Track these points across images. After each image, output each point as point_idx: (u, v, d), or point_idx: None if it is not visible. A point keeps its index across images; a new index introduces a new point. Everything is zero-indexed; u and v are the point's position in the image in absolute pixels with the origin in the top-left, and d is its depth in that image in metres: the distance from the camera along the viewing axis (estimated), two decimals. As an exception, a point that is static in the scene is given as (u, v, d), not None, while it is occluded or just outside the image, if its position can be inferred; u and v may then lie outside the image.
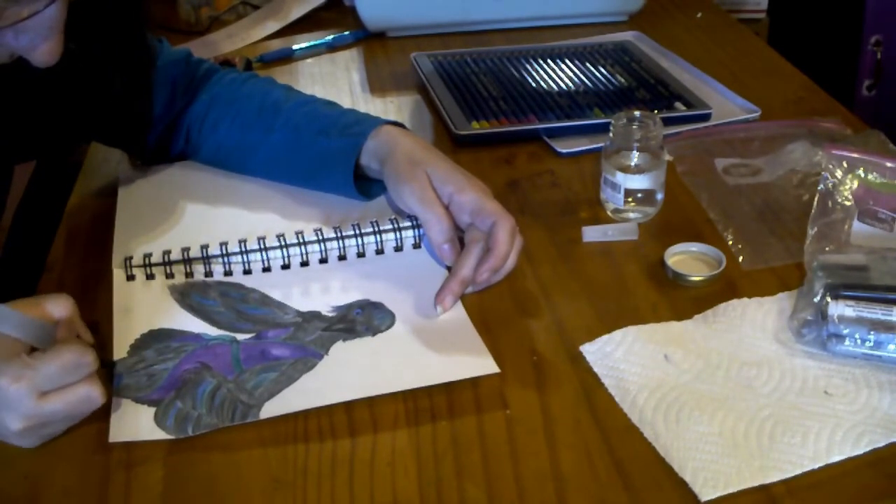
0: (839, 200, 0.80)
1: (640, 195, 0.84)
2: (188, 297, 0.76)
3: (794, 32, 1.68)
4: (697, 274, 0.77)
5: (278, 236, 0.80)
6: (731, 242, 0.81)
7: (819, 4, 1.74)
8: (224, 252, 0.79)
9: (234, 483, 0.60)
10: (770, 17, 1.62)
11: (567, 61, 1.18)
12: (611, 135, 0.84)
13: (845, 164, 0.82)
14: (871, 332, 0.66)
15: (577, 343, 0.70)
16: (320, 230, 0.81)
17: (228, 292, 0.77)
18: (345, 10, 1.38)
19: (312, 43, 1.30)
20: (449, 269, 0.78)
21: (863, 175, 0.81)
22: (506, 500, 0.58)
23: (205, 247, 0.80)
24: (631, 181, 0.83)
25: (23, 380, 0.58)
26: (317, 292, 0.77)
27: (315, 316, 0.74)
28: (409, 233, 0.82)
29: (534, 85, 1.12)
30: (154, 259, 0.79)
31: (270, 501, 0.58)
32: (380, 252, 0.82)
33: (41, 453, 0.62)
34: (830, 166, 0.82)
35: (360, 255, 0.81)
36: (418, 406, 0.65)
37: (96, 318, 0.74)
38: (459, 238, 0.78)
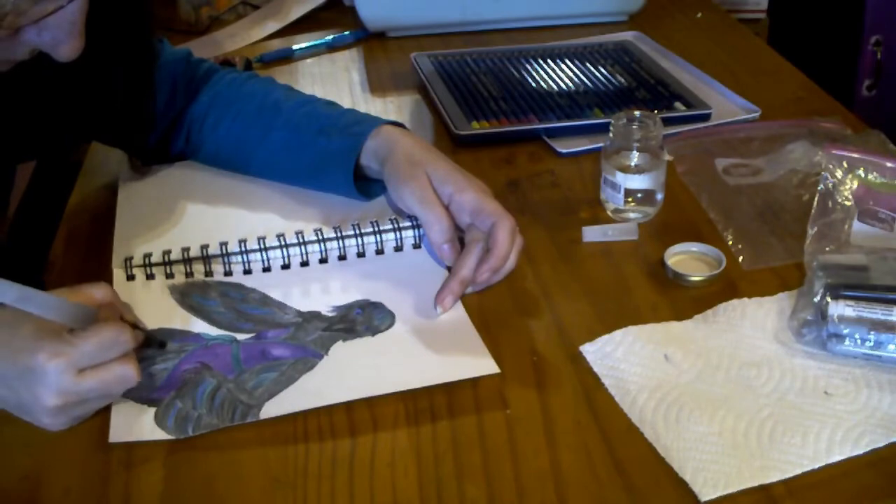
0: (839, 200, 0.80)
1: (640, 195, 0.84)
2: (188, 297, 0.76)
3: (794, 32, 1.68)
4: (697, 274, 0.77)
5: (278, 236, 0.80)
6: (731, 242, 0.81)
7: (819, 4, 1.74)
8: (224, 252, 0.79)
9: (234, 483, 0.60)
10: (770, 17, 1.62)
11: (567, 61, 1.18)
12: (611, 135, 0.84)
13: (845, 164, 0.82)
14: (871, 332, 0.66)
15: (577, 343, 0.70)
16: (320, 230, 0.81)
17: (228, 292, 0.77)
18: (345, 10, 1.38)
19: (312, 43, 1.30)
20: (449, 269, 0.78)
21: (863, 175, 0.81)
22: (506, 501, 0.58)
23: (205, 247, 0.80)
24: (631, 181, 0.83)
25: (61, 356, 0.59)
26: (317, 292, 0.77)
27: (315, 316, 0.74)
28: (409, 233, 0.82)
29: (534, 85, 1.12)
30: (154, 259, 0.79)
31: (270, 501, 0.58)
32: (380, 252, 0.82)
33: (41, 453, 0.62)
34: (830, 166, 0.82)
35: (360, 255, 0.81)
36: (418, 406, 0.65)
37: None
38: (459, 238, 0.78)
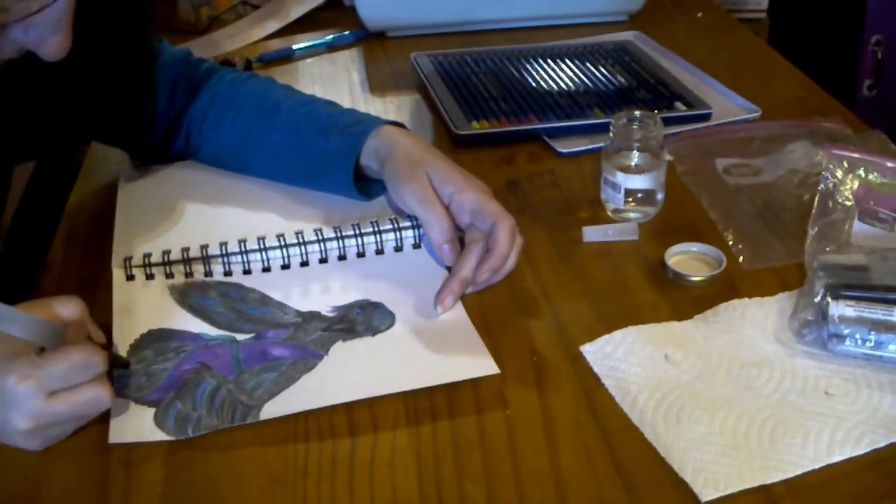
0: (840, 200, 0.80)
1: (640, 195, 0.84)
2: (188, 297, 0.76)
3: (795, 32, 1.68)
4: (698, 274, 0.77)
5: (278, 236, 0.80)
6: (731, 242, 0.81)
7: (819, 4, 1.74)
8: (224, 252, 0.79)
9: (234, 483, 0.60)
10: (770, 17, 1.62)
11: (567, 61, 1.18)
12: (611, 135, 0.84)
13: (846, 164, 0.82)
14: (872, 333, 0.66)
15: (577, 343, 0.70)
16: (320, 230, 0.81)
17: (228, 292, 0.77)
18: (345, 10, 1.38)
19: (312, 43, 1.30)
20: (449, 269, 0.78)
21: (863, 175, 0.81)
22: (506, 501, 0.58)
23: (204, 247, 0.80)
24: (631, 181, 0.83)
25: (31, 379, 0.58)
26: (317, 292, 0.77)
27: (315, 316, 0.74)
28: (409, 233, 0.82)
29: (534, 85, 1.12)
30: (154, 259, 0.79)
31: (270, 501, 0.58)
32: (380, 252, 0.81)
33: (41, 453, 0.62)
34: (831, 166, 0.82)
35: (360, 255, 0.81)
36: (418, 406, 0.65)
37: (95, 319, 0.73)
38: (459, 238, 0.78)
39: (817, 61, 1.27)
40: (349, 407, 0.65)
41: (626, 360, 0.68)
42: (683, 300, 0.75)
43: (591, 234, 0.83)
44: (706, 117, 1.03)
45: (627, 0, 1.33)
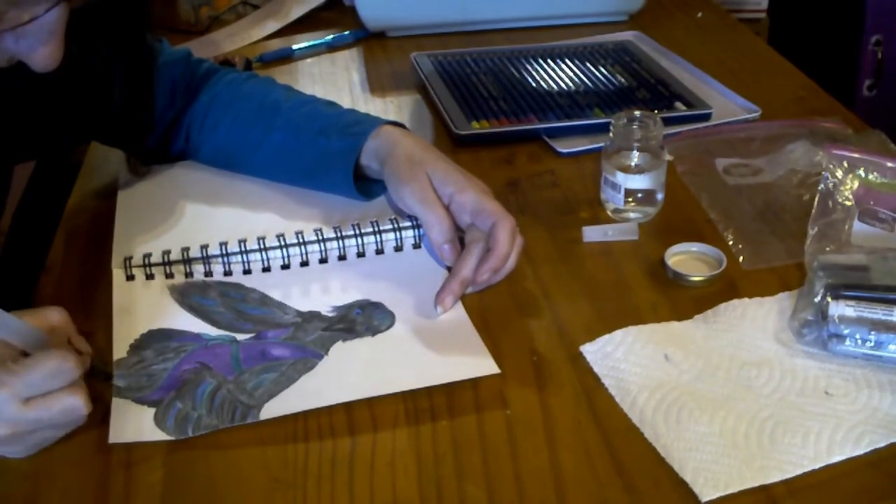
0: (840, 200, 0.80)
1: (640, 195, 0.84)
2: (188, 297, 0.76)
3: (795, 32, 1.68)
4: (698, 274, 0.77)
5: (278, 236, 0.80)
6: (731, 242, 0.81)
7: (819, 4, 1.74)
8: (224, 252, 0.79)
9: (234, 483, 0.60)
10: (770, 17, 1.62)
11: (567, 61, 1.18)
12: (611, 135, 0.84)
13: (846, 164, 0.82)
14: (872, 333, 0.66)
15: (577, 343, 0.70)
16: (320, 230, 0.81)
17: (228, 292, 0.77)
18: (345, 10, 1.38)
19: (312, 43, 1.30)
20: (449, 269, 0.78)
21: (863, 175, 0.81)
22: (505, 500, 0.58)
23: (204, 247, 0.80)
24: (631, 181, 0.83)
25: (4, 386, 0.57)
26: (317, 292, 0.77)
27: (315, 316, 0.74)
28: (409, 233, 0.82)
29: (534, 85, 1.12)
30: (154, 259, 0.79)
31: (270, 501, 0.58)
32: (380, 252, 0.81)
33: (41, 454, 0.62)
34: (831, 166, 0.82)
35: (360, 255, 0.81)
36: (418, 406, 0.65)
37: (95, 320, 0.74)
38: (460, 238, 0.78)
39: (817, 61, 1.27)
40: (349, 407, 0.65)
41: (626, 360, 0.68)
42: (683, 300, 0.75)
43: (591, 234, 0.83)
44: (706, 117, 1.03)
45: (627, 0, 1.33)
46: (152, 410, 0.65)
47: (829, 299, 0.68)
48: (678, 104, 1.05)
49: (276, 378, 0.67)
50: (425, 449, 0.62)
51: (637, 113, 0.84)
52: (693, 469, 0.59)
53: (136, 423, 0.64)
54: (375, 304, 0.75)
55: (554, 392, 0.66)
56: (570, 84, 1.11)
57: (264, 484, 0.60)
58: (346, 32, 1.32)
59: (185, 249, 0.79)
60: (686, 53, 1.19)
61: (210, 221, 0.84)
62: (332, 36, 1.31)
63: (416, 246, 0.82)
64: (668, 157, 0.87)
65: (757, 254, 0.80)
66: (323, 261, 0.81)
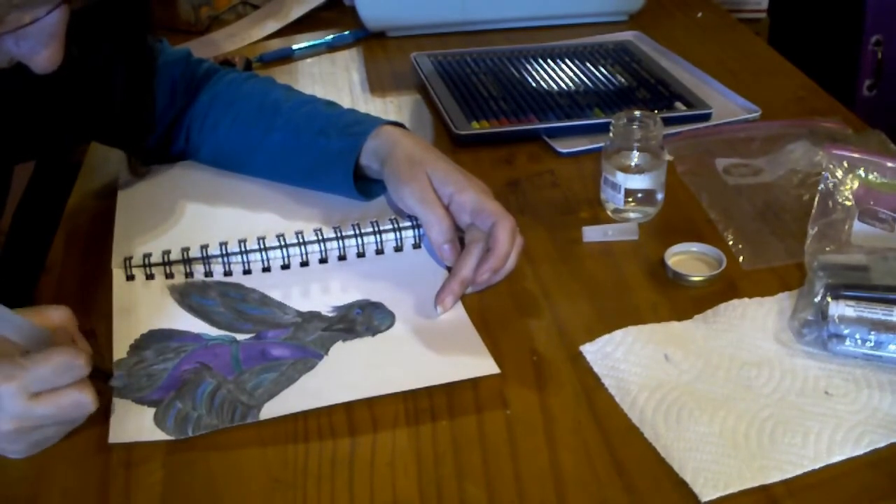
0: (840, 200, 0.80)
1: (640, 195, 0.84)
2: (188, 297, 0.76)
3: (795, 32, 1.68)
4: (698, 274, 0.77)
5: (278, 236, 0.80)
6: (731, 242, 0.81)
7: (819, 4, 1.74)
8: (224, 252, 0.79)
9: (234, 483, 0.60)
10: (770, 17, 1.62)
11: (567, 61, 1.18)
12: (611, 135, 0.84)
13: (846, 164, 0.82)
14: (872, 333, 0.66)
15: (577, 343, 0.70)
16: (320, 230, 0.81)
17: (228, 292, 0.77)
18: (345, 10, 1.38)
19: (312, 43, 1.30)
20: (449, 269, 0.78)
21: (863, 175, 0.81)
22: (506, 501, 0.58)
23: (204, 247, 0.80)
24: (631, 181, 0.83)
25: (13, 380, 0.57)
26: (317, 292, 0.77)
27: (315, 316, 0.74)
28: (409, 233, 0.82)
29: (534, 85, 1.12)
30: (154, 259, 0.79)
31: (270, 501, 0.58)
32: (380, 252, 0.81)
33: (41, 454, 0.62)
34: (831, 166, 0.82)
35: (360, 255, 0.81)
36: (418, 406, 0.65)
37: (95, 320, 0.74)
38: (460, 238, 0.78)
39: (817, 61, 1.27)
40: (349, 407, 0.65)
41: (626, 359, 0.68)
42: (683, 300, 0.75)
43: (591, 234, 0.83)
44: (706, 117, 1.03)
45: (627, 0, 1.33)
46: (152, 410, 0.65)
47: (829, 299, 0.68)
48: (678, 104, 1.05)
49: (276, 378, 0.67)
50: (425, 449, 0.62)
51: (637, 113, 0.84)
52: (693, 469, 0.59)
53: (136, 423, 0.64)
54: (375, 304, 0.75)
55: (554, 392, 0.66)
56: (570, 84, 1.11)
57: (264, 484, 0.60)
58: (346, 32, 1.32)
59: (185, 249, 0.79)
60: (686, 53, 1.19)
61: (210, 221, 0.84)
62: (332, 36, 1.31)
63: (416, 246, 0.82)
64: (668, 157, 0.87)
65: (757, 254, 0.80)
66: (323, 261, 0.81)
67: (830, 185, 0.81)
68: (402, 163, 0.78)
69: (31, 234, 1.01)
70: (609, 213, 0.86)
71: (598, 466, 0.60)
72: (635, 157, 0.84)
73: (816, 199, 0.82)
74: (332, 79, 1.21)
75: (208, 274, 0.79)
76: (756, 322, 0.71)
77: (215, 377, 0.68)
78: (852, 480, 0.58)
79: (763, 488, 0.58)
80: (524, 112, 1.04)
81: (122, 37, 0.82)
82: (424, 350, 0.70)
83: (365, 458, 0.61)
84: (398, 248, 0.82)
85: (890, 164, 0.81)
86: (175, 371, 0.68)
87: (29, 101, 0.76)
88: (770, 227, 0.83)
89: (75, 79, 0.77)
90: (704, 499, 0.57)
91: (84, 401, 0.60)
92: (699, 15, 1.37)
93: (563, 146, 0.99)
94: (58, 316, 0.64)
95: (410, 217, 0.81)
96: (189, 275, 0.79)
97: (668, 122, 0.92)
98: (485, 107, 1.06)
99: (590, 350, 0.69)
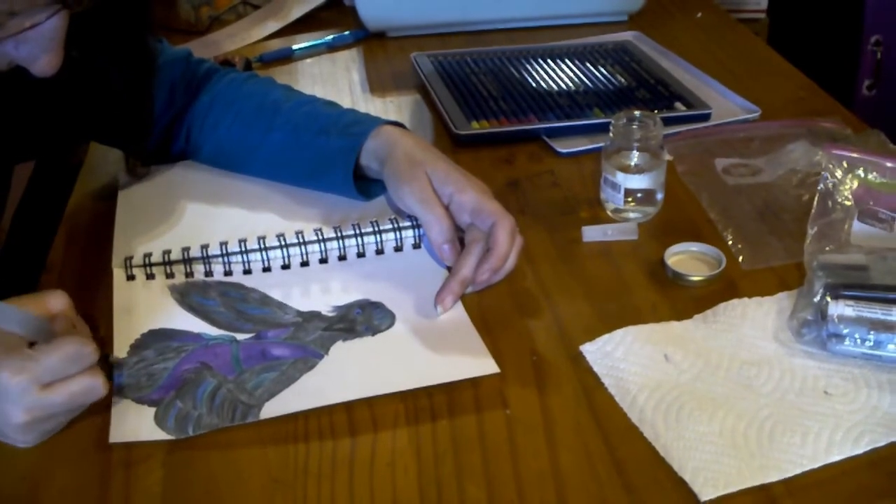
0: (839, 200, 0.80)
1: (640, 195, 0.84)
2: (188, 296, 0.76)
3: (794, 32, 1.68)
4: (697, 274, 0.77)
5: (278, 236, 0.80)
6: (730, 242, 0.81)
7: (819, 4, 1.74)
8: (224, 252, 0.79)
9: (234, 483, 0.60)
10: (770, 17, 1.62)
11: (567, 61, 1.18)
12: (611, 135, 0.84)
13: (845, 164, 0.82)
14: (871, 332, 0.66)
15: (576, 343, 0.70)
16: (320, 230, 0.81)
17: (228, 292, 0.77)
18: (345, 10, 1.38)
19: (312, 43, 1.30)
20: (449, 269, 0.78)
21: (863, 175, 0.81)
22: (506, 500, 0.58)
23: (205, 247, 0.80)
24: (631, 181, 0.83)
25: (24, 372, 0.58)
26: (317, 292, 0.77)
27: (315, 316, 0.74)
28: (409, 233, 0.82)
29: (534, 85, 1.12)
30: (154, 259, 0.79)
31: (270, 501, 0.58)
32: (380, 252, 0.82)
33: (41, 453, 0.62)
34: (830, 166, 0.82)
35: (360, 255, 0.81)
36: (418, 406, 0.65)
37: (96, 320, 0.73)
38: (460, 238, 0.78)
39: (817, 61, 1.27)
40: (349, 407, 0.65)
41: (626, 359, 0.68)
42: (683, 300, 0.75)
43: (591, 233, 0.83)
44: (706, 117, 1.03)
45: (627, 0, 1.33)
46: (152, 410, 0.65)
47: (828, 299, 0.68)
48: (678, 104, 1.05)
49: (277, 378, 0.67)
50: (425, 449, 0.62)
51: (637, 113, 0.84)
52: (693, 468, 0.59)
53: (136, 423, 0.64)
54: (375, 304, 0.75)
55: (554, 392, 0.66)
56: (570, 84, 1.11)
57: (264, 484, 0.60)
58: (346, 32, 1.32)
59: (186, 249, 0.79)
60: (686, 53, 1.19)
61: (210, 221, 0.84)
62: (332, 36, 1.31)
63: (416, 246, 0.82)
64: (667, 157, 0.87)
65: (756, 254, 0.80)
66: (323, 261, 0.81)
67: (830, 184, 0.81)
68: (402, 163, 0.78)
69: (31, 234, 1.01)
70: (609, 212, 0.86)
71: (597, 466, 0.60)
72: (635, 157, 0.84)
73: (816, 198, 0.82)
74: (332, 79, 1.21)
75: (209, 274, 0.79)
76: (755, 322, 0.71)
77: (216, 377, 0.68)
78: (851, 480, 0.58)
79: (762, 487, 0.58)
80: (524, 112, 1.04)
81: (122, 39, 0.82)
82: (424, 350, 0.70)
83: (365, 458, 0.61)
84: (398, 248, 0.82)
85: (889, 164, 0.81)
86: (175, 371, 0.68)
87: (29, 101, 0.76)
88: (769, 226, 0.83)
89: (75, 79, 0.77)
90: (704, 498, 0.57)
91: (95, 386, 0.61)
92: (699, 15, 1.37)
93: (563, 146, 0.99)
94: (56, 302, 0.64)
95: (410, 217, 0.81)
96: (189, 274, 0.79)
97: (667, 122, 0.92)
98: (485, 107, 1.06)
99: (589, 350, 0.69)
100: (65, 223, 0.90)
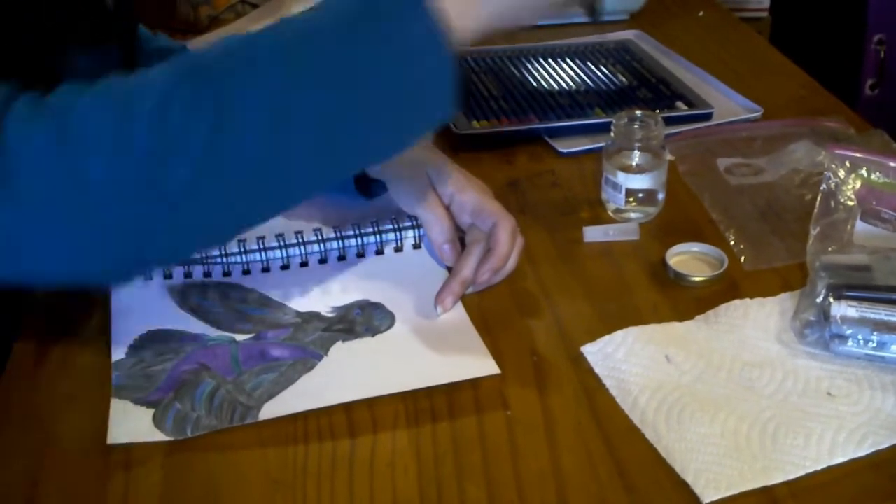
0: (842, 200, 0.80)
1: (641, 195, 0.84)
2: (187, 297, 0.76)
3: (797, 31, 1.68)
4: (699, 274, 0.77)
5: (277, 236, 0.80)
6: (732, 242, 0.81)
7: (822, 3, 1.74)
8: (223, 252, 0.79)
9: (234, 484, 0.60)
10: (772, 16, 1.62)
11: (568, 60, 1.17)
12: (612, 134, 0.84)
13: (848, 164, 0.82)
14: (874, 333, 0.66)
15: (577, 344, 0.70)
16: (320, 230, 0.81)
17: (227, 293, 0.77)
18: (345, 9, 1.37)
19: (313, 42, 1.29)
20: (449, 269, 0.77)
21: (866, 175, 0.81)
22: (506, 501, 0.58)
23: (204, 247, 0.79)
24: (632, 181, 0.83)
25: None
26: (316, 293, 0.77)
27: (314, 316, 0.74)
28: (409, 233, 0.82)
29: (534, 84, 1.11)
30: (153, 259, 0.78)
31: (270, 502, 0.58)
32: (380, 252, 0.81)
33: (40, 454, 0.62)
34: (833, 166, 0.82)
35: (360, 255, 0.81)
36: (418, 406, 0.65)
37: (95, 320, 0.73)
38: (460, 238, 0.77)
39: (819, 60, 1.26)
40: (349, 407, 0.65)
41: (627, 360, 0.68)
42: (685, 300, 0.74)
43: (592, 234, 0.83)
44: (707, 117, 1.03)
45: (628, -1, 1.33)
46: (151, 411, 0.65)
47: (831, 300, 0.67)
48: (679, 104, 1.04)
49: (276, 378, 0.67)
50: (425, 449, 0.61)
51: (638, 112, 0.84)
52: (695, 470, 0.58)
53: (134, 424, 0.63)
54: (375, 305, 0.75)
55: (554, 393, 0.66)
56: (571, 83, 1.11)
57: (264, 484, 0.59)
58: (347, 32, 1.32)
59: (185, 249, 0.79)
60: (687, 53, 1.18)
61: (210, 221, 0.84)
62: (332, 35, 1.31)
63: (416, 246, 0.82)
64: (669, 157, 0.86)
65: (759, 254, 0.79)
66: (323, 261, 0.81)
67: (833, 184, 0.81)
68: (403, 163, 0.78)
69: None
70: (610, 213, 0.86)
71: (598, 467, 0.60)
72: (636, 157, 0.83)
73: (818, 198, 0.81)
74: (333, 78, 1.20)
75: (207, 274, 0.79)
76: (758, 323, 0.71)
77: (214, 378, 0.67)
78: (854, 482, 0.58)
79: (765, 489, 0.57)
80: (524, 112, 1.04)
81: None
82: (424, 350, 0.70)
83: (365, 458, 0.61)
84: (398, 249, 0.82)
85: (892, 164, 0.81)
86: (174, 372, 0.68)
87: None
88: (772, 227, 0.83)
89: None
90: (706, 500, 0.56)
91: None
92: (700, 14, 1.37)
93: (564, 146, 0.99)
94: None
95: (410, 217, 0.81)
96: (188, 275, 0.78)
97: (669, 121, 0.92)
98: (485, 106, 1.06)
99: (590, 350, 0.69)
100: (64, 223, 0.89)
